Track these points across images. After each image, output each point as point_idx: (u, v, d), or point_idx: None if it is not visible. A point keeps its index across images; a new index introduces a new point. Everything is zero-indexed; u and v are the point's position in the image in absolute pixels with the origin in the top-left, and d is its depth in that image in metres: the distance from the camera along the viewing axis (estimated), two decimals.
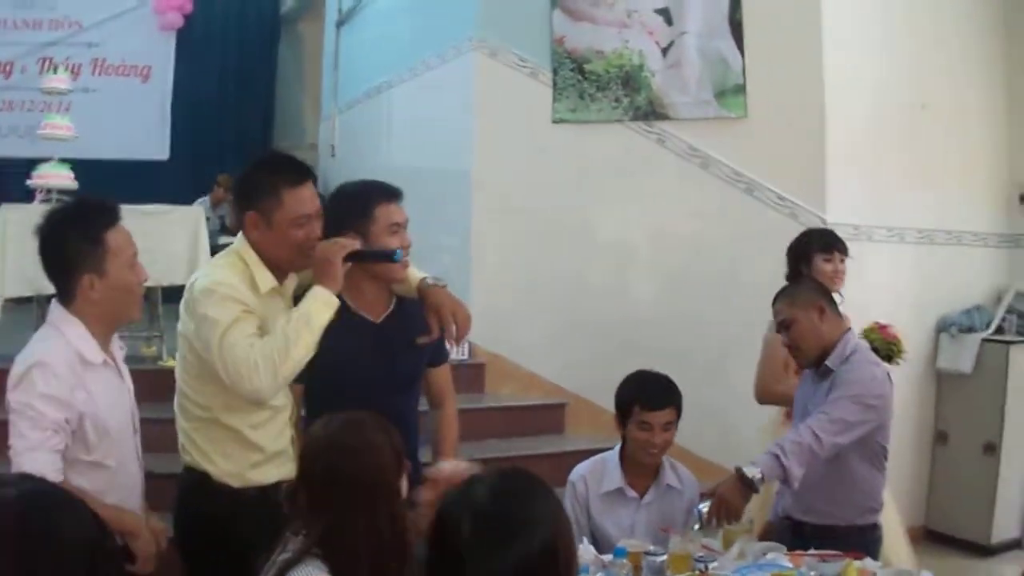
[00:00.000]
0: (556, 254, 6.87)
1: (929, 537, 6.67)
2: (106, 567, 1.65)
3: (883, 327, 5.35)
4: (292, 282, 3.32)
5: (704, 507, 3.52)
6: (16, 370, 2.74)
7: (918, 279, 6.73)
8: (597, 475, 3.92)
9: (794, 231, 5.01)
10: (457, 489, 1.91)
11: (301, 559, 2.41)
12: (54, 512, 1.61)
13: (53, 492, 1.71)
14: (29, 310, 6.06)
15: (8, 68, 10.96)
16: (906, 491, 5.67)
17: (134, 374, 3.17)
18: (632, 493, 3.87)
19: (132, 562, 2.85)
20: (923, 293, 6.77)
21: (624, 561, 3.28)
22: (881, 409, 3.68)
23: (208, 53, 12.35)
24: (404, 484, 2.61)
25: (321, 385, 3.27)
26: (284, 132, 13.17)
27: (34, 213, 3.41)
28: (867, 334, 5.28)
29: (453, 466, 3.15)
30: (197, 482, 3.15)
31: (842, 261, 4.71)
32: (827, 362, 3.76)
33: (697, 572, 3.26)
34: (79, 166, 7.05)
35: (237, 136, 12.37)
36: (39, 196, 6.69)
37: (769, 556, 3.35)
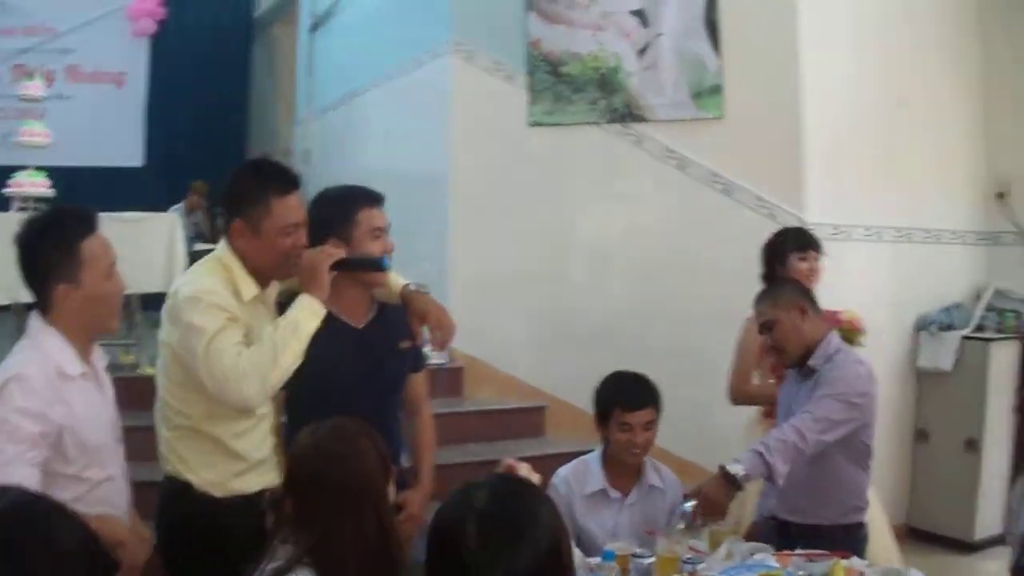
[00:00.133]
0: (533, 257, 6.87)
1: (911, 535, 6.68)
2: (102, 572, 1.66)
3: (833, 313, 5.29)
4: (274, 289, 3.30)
5: (689, 507, 3.51)
6: None
7: (897, 278, 6.74)
8: (580, 477, 3.92)
9: (772, 231, 5.00)
10: (453, 497, 1.89)
11: (291, 568, 2.39)
12: (48, 520, 1.61)
13: (43, 500, 1.70)
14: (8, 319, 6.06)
15: None
16: (888, 489, 5.66)
17: (112, 382, 3.13)
18: (615, 494, 3.87)
19: (118, 570, 2.81)
20: (902, 292, 6.77)
21: (612, 564, 3.28)
22: (865, 407, 3.68)
23: (181, 59, 12.31)
24: (392, 490, 2.61)
25: (304, 392, 3.25)
26: (258, 137, 13.15)
27: (11, 222, 3.37)
28: None
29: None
30: (179, 491, 3.12)
31: (817, 260, 4.71)
32: (810, 362, 3.76)
33: (686, 574, 3.26)
34: (52, 174, 7.02)
35: (211, 142, 12.31)
36: (16, 205, 6.65)
37: (757, 556, 3.35)
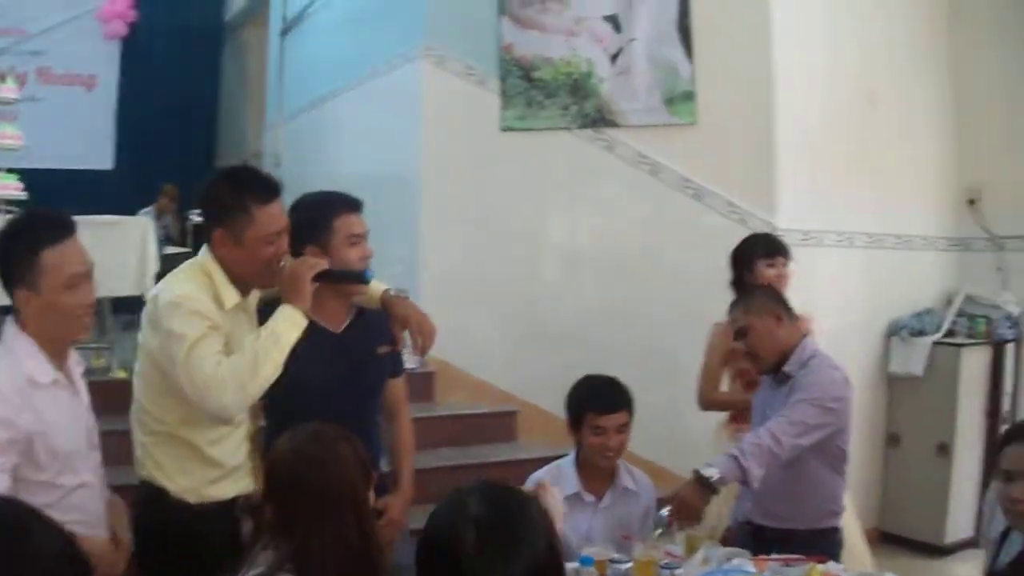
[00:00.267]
0: (505, 262, 6.86)
1: (883, 539, 6.73)
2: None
3: None
4: (255, 297, 3.29)
5: (665, 513, 3.51)
6: None
7: (868, 283, 6.78)
8: (553, 482, 3.88)
9: (743, 237, 5.00)
10: (445, 505, 1.88)
11: (273, 574, 2.39)
12: (28, 524, 1.61)
13: (21, 505, 1.71)
14: None
15: None
16: (860, 494, 5.68)
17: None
18: (589, 498, 3.87)
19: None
20: (873, 297, 6.81)
21: (591, 569, 3.28)
22: (841, 412, 3.70)
23: (151, 62, 12.27)
24: (372, 495, 2.62)
25: (283, 397, 3.22)
26: (228, 141, 13.12)
27: None
28: None
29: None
30: (154, 497, 3.10)
31: (785, 265, 4.70)
32: (785, 368, 3.78)
33: None
34: (22, 176, 6.98)
35: (180, 145, 12.29)
36: None
37: (734, 561, 3.35)
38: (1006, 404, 6.83)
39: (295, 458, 2.50)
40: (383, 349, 3.52)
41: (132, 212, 8.69)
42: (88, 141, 11.83)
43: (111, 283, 5.65)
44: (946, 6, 7.34)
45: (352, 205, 3.43)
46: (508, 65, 6.85)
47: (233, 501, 3.15)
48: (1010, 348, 6.93)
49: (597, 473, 3.89)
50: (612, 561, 3.36)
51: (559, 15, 6.73)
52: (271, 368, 2.98)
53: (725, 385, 4.89)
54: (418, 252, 6.99)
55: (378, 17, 8.09)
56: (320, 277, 3.16)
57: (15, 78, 8.71)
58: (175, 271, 3.22)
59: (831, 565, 3.40)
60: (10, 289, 2.77)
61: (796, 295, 4.22)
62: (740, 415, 4.71)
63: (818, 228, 6.42)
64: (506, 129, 6.89)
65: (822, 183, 6.42)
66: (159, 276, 6.21)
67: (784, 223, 6.14)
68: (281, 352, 3.00)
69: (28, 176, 7.10)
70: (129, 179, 11.48)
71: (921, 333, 6.80)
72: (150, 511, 3.13)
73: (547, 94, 6.78)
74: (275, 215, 3.11)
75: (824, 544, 3.70)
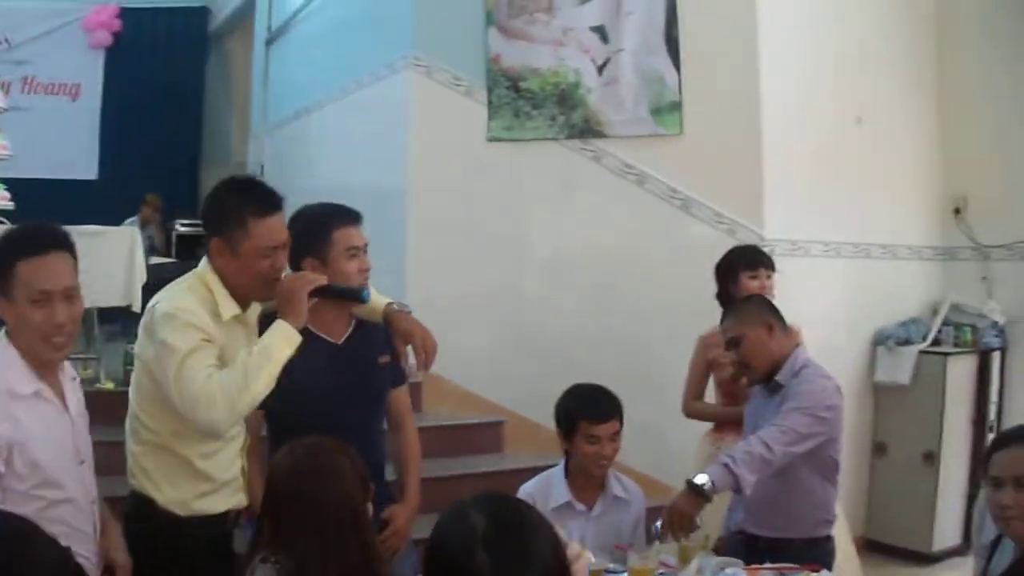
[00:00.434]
0: (492, 272, 6.84)
1: (870, 547, 6.73)
2: None
3: None
4: (255, 310, 3.27)
5: (658, 524, 3.52)
6: None
7: (854, 293, 6.79)
8: (544, 492, 3.91)
9: (730, 248, 5.01)
10: (451, 525, 1.86)
11: None
12: (27, 535, 1.65)
13: (19, 518, 1.75)
14: None
15: None
16: (847, 502, 5.68)
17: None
18: (580, 507, 3.87)
19: None
20: (859, 307, 6.83)
21: None
22: (832, 421, 3.71)
23: (136, 71, 12.30)
24: (369, 508, 2.62)
25: (287, 409, 3.24)
26: (212, 151, 13.11)
27: None
28: None
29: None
30: (143, 506, 3.09)
31: (769, 277, 4.71)
32: (777, 377, 3.80)
33: None
34: (7, 186, 6.95)
35: (165, 155, 12.31)
36: None
37: (728, 571, 3.36)
38: (992, 412, 6.87)
39: (294, 472, 2.51)
40: (384, 359, 3.53)
41: (116, 222, 8.68)
42: (73, 151, 11.83)
43: (98, 294, 5.63)
44: (932, 16, 7.38)
45: (352, 217, 3.45)
46: (495, 76, 6.85)
47: (224, 515, 3.14)
48: (996, 356, 6.96)
49: (587, 482, 3.89)
50: (608, 572, 3.37)
51: (547, 26, 6.74)
52: (262, 384, 2.95)
53: (712, 395, 4.92)
54: (405, 262, 6.97)
55: (364, 27, 8.09)
56: (317, 293, 3.14)
57: (1, 87, 8.70)
58: (175, 282, 3.19)
59: (824, 574, 3.42)
60: None
61: (782, 305, 4.22)
62: (723, 425, 4.77)
63: (805, 238, 6.44)
64: (493, 140, 6.89)
65: (809, 193, 6.43)
66: (146, 287, 6.24)
67: (771, 233, 6.15)
68: (273, 368, 2.97)
69: (13, 186, 7.08)
70: (113, 189, 11.47)
71: (907, 342, 6.83)
72: (138, 520, 3.11)
73: (534, 105, 6.79)
74: (274, 228, 3.10)
75: (817, 553, 3.71)
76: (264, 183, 3.32)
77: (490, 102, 6.88)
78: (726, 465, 3.48)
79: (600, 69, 6.65)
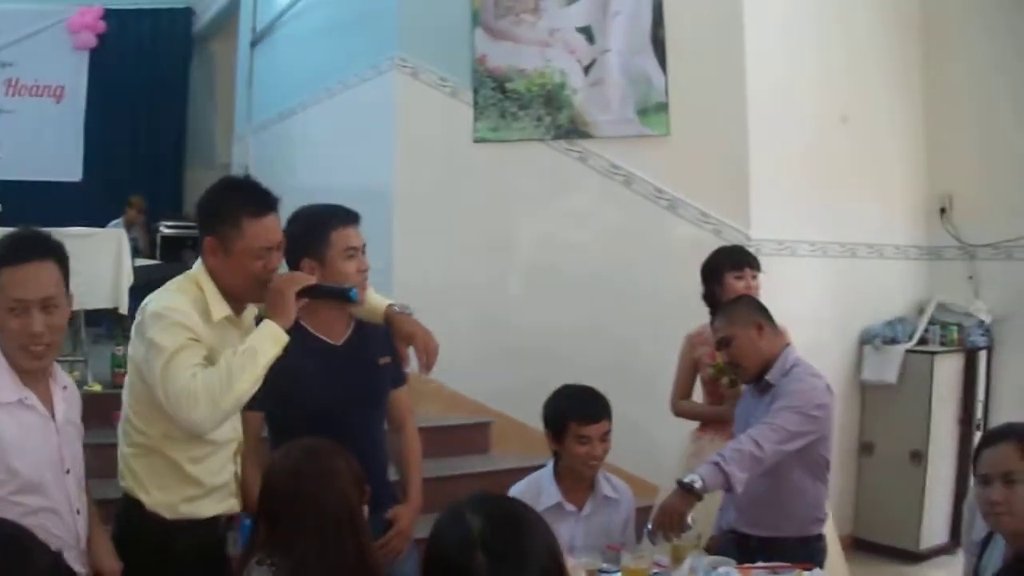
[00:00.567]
0: (478, 273, 6.84)
1: (858, 546, 6.76)
2: None
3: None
4: (251, 312, 3.25)
5: (650, 526, 3.52)
6: None
7: (841, 292, 6.81)
8: (534, 493, 3.89)
9: (716, 248, 5.01)
10: (448, 528, 1.86)
11: None
12: (25, 543, 1.68)
13: (17, 525, 1.77)
14: None
15: None
16: (834, 501, 5.68)
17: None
18: (571, 507, 3.86)
19: None
20: (846, 306, 6.86)
21: None
22: (823, 420, 3.72)
23: (120, 73, 12.28)
24: (365, 509, 2.62)
25: (287, 411, 3.24)
26: (196, 152, 13.08)
27: None
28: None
29: None
30: (131, 508, 3.07)
31: (754, 277, 4.71)
32: (767, 377, 3.80)
33: None
34: None
35: (149, 157, 12.28)
36: None
37: (720, 570, 3.36)
38: (979, 411, 6.90)
39: (294, 472, 2.51)
40: (384, 360, 3.53)
41: (101, 224, 8.64)
42: (57, 152, 11.80)
43: (85, 296, 5.60)
44: (917, 16, 7.40)
45: (350, 218, 3.46)
46: (481, 76, 6.85)
47: (214, 520, 3.11)
48: (982, 355, 6.99)
49: (577, 483, 3.88)
50: (601, 572, 3.37)
51: (533, 27, 6.74)
52: (247, 384, 2.90)
53: (700, 394, 4.93)
54: (391, 263, 6.94)
55: (350, 28, 8.07)
56: (305, 293, 3.11)
57: None
58: (169, 283, 3.16)
59: (816, 572, 3.43)
60: None
61: (769, 305, 4.23)
62: (710, 423, 4.79)
63: (791, 238, 6.46)
64: (479, 140, 6.88)
65: (795, 193, 6.45)
66: (132, 289, 6.21)
67: (758, 233, 6.17)
68: (258, 368, 2.92)
69: None
70: (98, 190, 11.43)
71: (894, 341, 6.85)
72: (126, 522, 3.10)
73: (520, 105, 6.78)
74: (268, 229, 3.08)
75: (809, 551, 3.72)
76: (260, 184, 3.28)
77: (476, 103, 6.87)
78: (717, 463, 3.48)
79: (586, 70, 6.65)
